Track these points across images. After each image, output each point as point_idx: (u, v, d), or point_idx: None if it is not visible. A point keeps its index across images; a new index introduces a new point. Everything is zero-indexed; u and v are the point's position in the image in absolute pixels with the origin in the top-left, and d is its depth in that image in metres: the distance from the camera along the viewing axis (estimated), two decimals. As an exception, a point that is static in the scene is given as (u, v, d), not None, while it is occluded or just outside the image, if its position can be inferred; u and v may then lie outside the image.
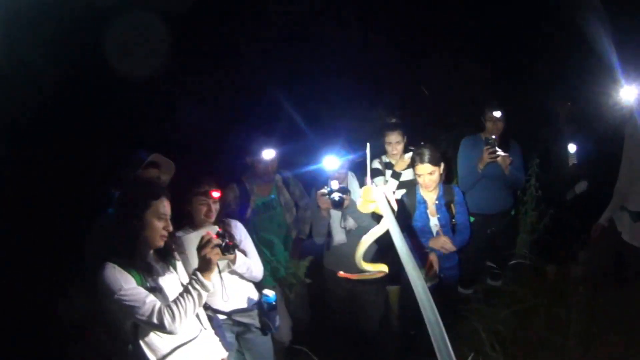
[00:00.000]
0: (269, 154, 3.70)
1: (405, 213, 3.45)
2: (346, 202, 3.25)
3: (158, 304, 2.07)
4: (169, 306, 2.08)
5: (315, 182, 3.61)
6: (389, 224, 1.26)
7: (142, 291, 2.08)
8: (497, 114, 4.00)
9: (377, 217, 1.36)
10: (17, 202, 4.13)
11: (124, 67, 4.51)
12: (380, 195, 1.36)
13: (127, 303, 2.04)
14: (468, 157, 4.09)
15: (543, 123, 4.62)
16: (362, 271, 1.64)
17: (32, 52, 4.03)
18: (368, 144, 1.50)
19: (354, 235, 3.50)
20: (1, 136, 3.92)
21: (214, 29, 5.74)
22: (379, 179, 4.16)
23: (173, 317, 2.06)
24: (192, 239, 2.70)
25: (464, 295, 4.16)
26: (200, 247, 2.20)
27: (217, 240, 2.23)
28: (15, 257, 3.86)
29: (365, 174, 1.50)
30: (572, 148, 4.12)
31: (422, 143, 3.53)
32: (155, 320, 2.04)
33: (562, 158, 4.20)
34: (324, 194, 3.24)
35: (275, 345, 3.33)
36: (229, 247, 2.34)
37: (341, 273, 1.83)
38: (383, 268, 1.63)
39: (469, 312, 3.83)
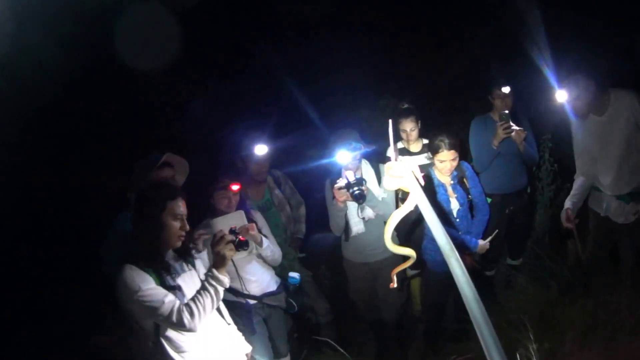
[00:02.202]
0: (262, 150, 3.70)
1: (432, 194, 3.42)
2: (365, 193, 3.20)
3: (177, 303, 2.08)
4: (187, 304, 2.09)
5: (328, 174, 3.57)
6: (418, 199, 1.20)
7: (160, 291, 2.08)
8: (506, 89, 3.95)
9: (396, 204, 1.33)
10: (31, 206, 4.14)
11: (132, 63, 4.50)
12: (406, 170, 1.30)
13: (146, 303, 2.05)
14: (480, 137, 4.03)
15: (551, 97, 4.56)
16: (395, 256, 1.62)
17: (43, 49, 4.01)
18: (390, 120, 1.47)
19: (373, 225, 3.47)
20: (12, 137, 3.91)
21: (219, 20, 5.69)
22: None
23: (192, 314, 2.07)
24: (218, 223, 2.86)
25: (486, 277, 4.11)
26: (214, 243, 2.22)
27: (230, 237, 2.24)
28: (29, 262, 3.88)
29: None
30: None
31: (437, 130, 3.47)
32: (174, 319, 2.05)
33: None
34: (340, 187, 3.17)
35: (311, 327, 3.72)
36: (242, 243, 2.35)
37: (392, 285, 1.79)
38: (411, 253, 1.59)
39: (493, 294, 3.82)
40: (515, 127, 3.76)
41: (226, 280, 2.20)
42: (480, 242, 3.47)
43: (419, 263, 3.64)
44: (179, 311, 2.05)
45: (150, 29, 4.53)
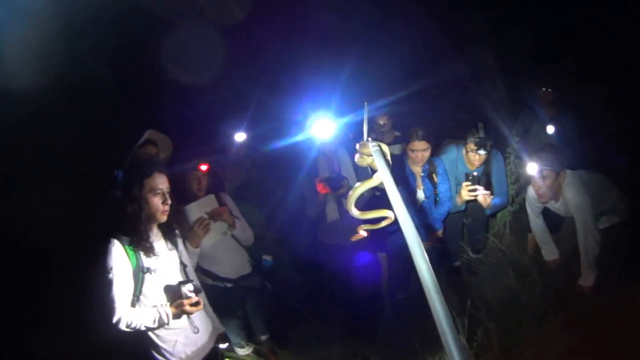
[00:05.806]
0: (241, 137, 3.81)
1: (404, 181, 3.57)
2: (343, 190, 3.41)
3: (122, 315, 2.16)
4: (128, 318, 2.17)
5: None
6: (384, 177, 1.26)
7: (123, 288, 2.17)
8: (482, 152, 3.48)
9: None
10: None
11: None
12: (375, 149, 1.39)
13: (111, 288, 2.15)
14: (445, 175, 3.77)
15: (522, 105, 4.76)
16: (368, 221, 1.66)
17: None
18: (366, 103, 1.58)
19: (347, 213, 3.58)
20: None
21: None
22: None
23: (129, 327, 2.17)
24: (192, 209, 2.92)
25: (453, 267, 4.25)
26: (178, 305, 2.27)
27: (194, 299, 2.29)
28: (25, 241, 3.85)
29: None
30: (550, 129, 4.26)
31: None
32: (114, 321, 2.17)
33: (540, 137, 4.33)
34: (321, 180, 3.36)
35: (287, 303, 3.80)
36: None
37: (355, 237, 1.79)
38: (388, 214, 1.59)
39: (457, 280, 4.01)
40: (481, 190, 3.43)
41: (172, 323, 2.29)
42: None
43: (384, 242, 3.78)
44: (119, 320, 2.14)
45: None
